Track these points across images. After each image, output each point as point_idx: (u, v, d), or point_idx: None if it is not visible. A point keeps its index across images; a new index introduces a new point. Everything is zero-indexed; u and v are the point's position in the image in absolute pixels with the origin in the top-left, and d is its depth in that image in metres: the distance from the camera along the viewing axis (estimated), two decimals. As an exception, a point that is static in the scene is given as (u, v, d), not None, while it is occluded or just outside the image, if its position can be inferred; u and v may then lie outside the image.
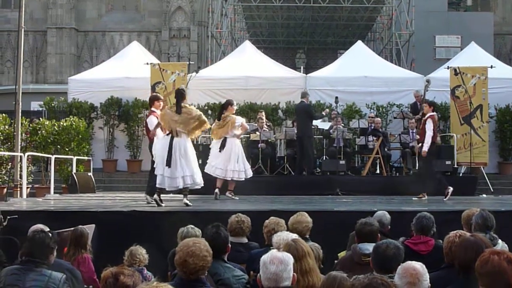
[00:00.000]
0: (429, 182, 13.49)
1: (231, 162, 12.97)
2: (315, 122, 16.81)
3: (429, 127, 13.11)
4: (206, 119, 11.15)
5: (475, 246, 4.70)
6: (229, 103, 13.41)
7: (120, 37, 36.99)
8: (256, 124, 17.41)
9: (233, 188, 13.25)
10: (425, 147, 13.10)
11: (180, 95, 11.17)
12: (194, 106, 19.27)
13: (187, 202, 10.81)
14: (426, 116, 13.28)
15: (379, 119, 18.11)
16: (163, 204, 10.91)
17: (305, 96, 16.41)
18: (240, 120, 13.28)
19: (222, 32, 29.66)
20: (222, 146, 13.00)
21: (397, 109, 19.22)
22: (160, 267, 6.84)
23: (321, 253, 5.81)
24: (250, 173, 13.27)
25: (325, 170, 16.82)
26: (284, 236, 5.73)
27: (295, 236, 5.74)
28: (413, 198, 13.35)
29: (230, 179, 13.10)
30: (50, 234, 5.67)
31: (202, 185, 11.17)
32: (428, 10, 28.48)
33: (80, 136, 18.22)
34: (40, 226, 6.58)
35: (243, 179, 13.15)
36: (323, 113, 16.97)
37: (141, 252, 6.79)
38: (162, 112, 11.39)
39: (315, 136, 17.59)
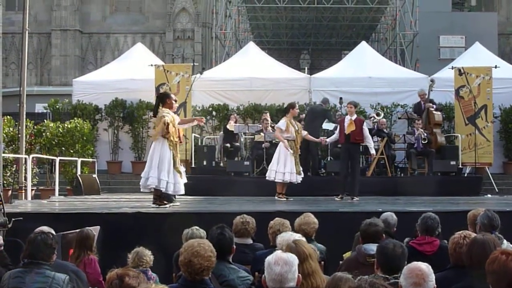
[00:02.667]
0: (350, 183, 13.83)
1: (277, 165, 13.38)
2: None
3: (366, 129, 13.71)
4: (164, 122, 10.83)
5: (483, 246, 4.70)
6: (290, 106, 13.60)
7: (124, 39, 37.02)
8: (261, 125, 17.42)
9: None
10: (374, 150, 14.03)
11: (160, 99, 11.23)
12: (199, 107, 19.58)
13: (154, 204, 10.97)
14: (355, 118, 13.54)
15: (384, 119, 18.07)
16: (167, 205, 11.00)
17: (325, 103, 17.15)
18: (277, 125, 13.75)
19: (226, 33, 29.69)
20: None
21: (401, 110, 19.20)
22: (164, 268, 6.85)
23: (319, 255, 5.79)
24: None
25: (330, 171, 16.82)
26: (287, 237, 5.72)
27: (298, 236, 5.72)
28: (335, 198, 13.68)
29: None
30: (51, 235, 5.66)
31: (164, 189, 10.96)
32: (432, 10, 28.42)
33: (85, 138, 18.24)
34: (45, 228, 6.58)
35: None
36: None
37: (147, 254, 6.79)
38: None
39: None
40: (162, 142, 10.89)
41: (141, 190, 11.40)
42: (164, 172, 10.81)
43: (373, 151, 14.05)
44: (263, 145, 16.72)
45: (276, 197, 13.40)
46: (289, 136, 13.30)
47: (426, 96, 17.89)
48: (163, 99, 11.18)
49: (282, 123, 13.41)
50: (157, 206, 10.87)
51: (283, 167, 13.21)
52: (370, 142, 13.82)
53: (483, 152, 18.38)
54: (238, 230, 6.83)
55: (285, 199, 13.30)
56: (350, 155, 13.62)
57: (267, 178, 13.65)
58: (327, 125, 17.27)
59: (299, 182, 13.44)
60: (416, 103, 18.46)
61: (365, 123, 13.74)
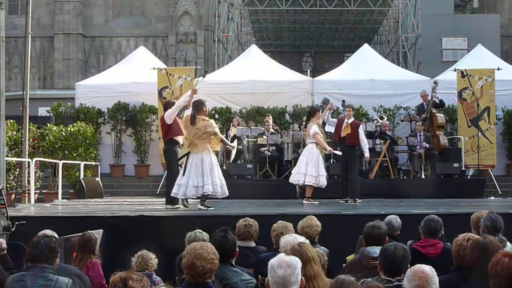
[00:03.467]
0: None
1: (307, 167, 13.05)
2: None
3: (362, 132, 13.74)
4: (220, 139, 11.39)
5: (485, 248, 4.70)
6: (316, 110, 13.54)
7: (127, 42, 37.09)
8: (263, 128, 17.42)
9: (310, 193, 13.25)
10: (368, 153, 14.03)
11: (195, 107, 11.32)
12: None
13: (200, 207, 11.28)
14: (352, 122, 13.61)
15: (387, 122, 18.05)
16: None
17: (326, 103, 16.75)
18: (313, 130, 13.06)
19: (228, 36, 29.69)
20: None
21: (404, 112, 19.19)
22: (167, 271, 6.84)
23: (324, 259, 5.79)
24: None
25: (332, 174, 16.80)
26: (291, 239, 5.71)
27: (302, 238, 5.72)
28: (340, 201, 13.66)
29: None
30: (54, 239, 5.66)
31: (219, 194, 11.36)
32: (434, 12, 28.42)
33: (88, 142, 18.23)
34: (48, 231, 6.57)
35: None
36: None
37: (152, 257, 6.78)
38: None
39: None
40: (207, 150, 11.15)
41: (183, 197, 11.48)
42: (215, 177, 11.10)
43: (367, 154, 14.04)
44: (265, 151, 16.71)
45: (304, 201, 13.09)
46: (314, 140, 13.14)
47: (430, 98, 17.90)
48: (198, 107, 11.30)
49: (315, 128, 13.01)
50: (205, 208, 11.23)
51: (315, 170, 12.96)
52: (365, 145, 13.82)
53: (486, 154, 18.34)
54: (241, 233, 6.83)
55: (317, 203, 13.00)
56: (346, 158, 13.64)
57: (291, 181, 13.44)
58: (329, 128, 17.26)
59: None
60: (419, 104, 18.47)
61: (360, 127, 13.75)
